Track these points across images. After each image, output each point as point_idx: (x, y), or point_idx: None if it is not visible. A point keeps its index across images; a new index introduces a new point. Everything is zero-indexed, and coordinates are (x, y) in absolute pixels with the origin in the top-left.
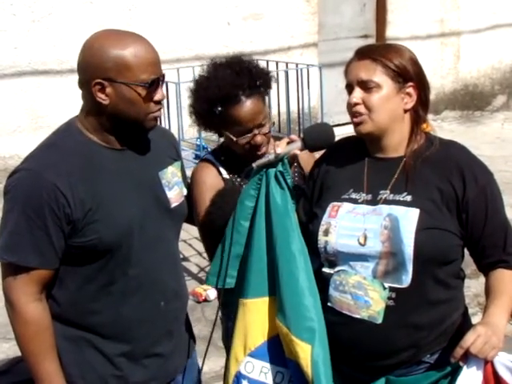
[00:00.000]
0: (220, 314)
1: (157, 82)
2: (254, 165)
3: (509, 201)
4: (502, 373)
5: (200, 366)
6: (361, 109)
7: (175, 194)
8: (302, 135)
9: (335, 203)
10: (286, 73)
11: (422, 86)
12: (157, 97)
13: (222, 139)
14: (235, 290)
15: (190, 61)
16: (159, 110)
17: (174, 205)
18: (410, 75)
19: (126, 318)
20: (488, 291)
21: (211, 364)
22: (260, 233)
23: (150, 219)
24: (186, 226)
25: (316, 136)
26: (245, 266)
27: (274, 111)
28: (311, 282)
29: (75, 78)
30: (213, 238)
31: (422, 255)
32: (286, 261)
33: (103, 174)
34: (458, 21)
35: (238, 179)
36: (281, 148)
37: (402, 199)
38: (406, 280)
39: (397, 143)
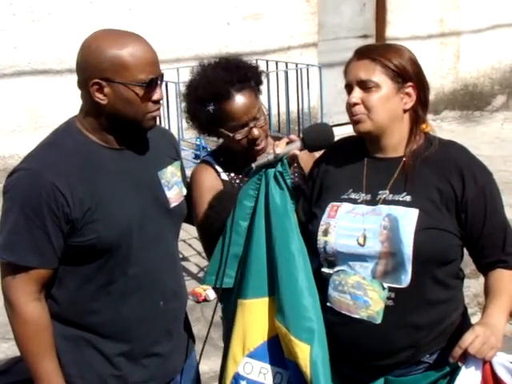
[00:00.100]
0: (221, 313)
1: (155, 81)
2: (253, 165)
3: (508, 201)
4: (501, 374)
5: (200, 366)
6: (360, 109)
7: (174, 194)
8: (301, 135)
9: (334, 203)
10: (286, 73)
11: (421, 86)
12: (155, 96)
13: (221, 140)
14: (234, 290)
15: (190, 61)
16: (158, 109)
17: (173, 205)
18: (409, 75)
19: (126, 317)
20: (487, 291)
21: (211, 364)
22: (259, 233)
23: (149, 219)
24: (185, 225)
25: (315, 136)
26: (244, 267)
27: (274, 111)
28: (310, 282)
29: (75, 77)
30: (211, 239)
31: (422, 255)
32: (285, 261)
33: (102, 174)
34: (458, 21)
35: (237, 180)
36: (280, 148)
37: (401, 199)
38: (406, 280)
39: (396, 143)
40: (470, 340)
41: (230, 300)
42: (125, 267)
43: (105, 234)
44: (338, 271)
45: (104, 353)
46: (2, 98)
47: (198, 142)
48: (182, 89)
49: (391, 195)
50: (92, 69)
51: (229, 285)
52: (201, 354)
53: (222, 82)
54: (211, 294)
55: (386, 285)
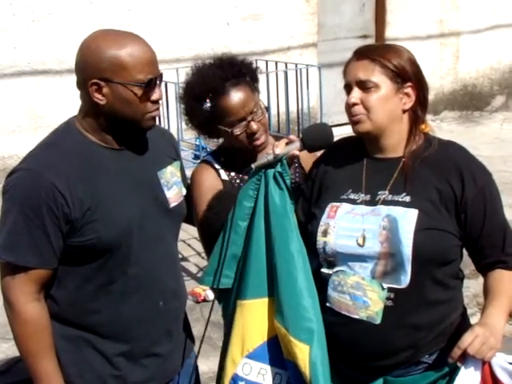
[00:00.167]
0: (222, 314)
1: (154, 81)
2: (252, 165)
3: (507, 201)
4: (500, 375)
5: (199, 366)
6: (359, 109)
7: (174, 194)
8: (300, 136)
9: (334, 204)
10: (286, 73)
11: (420, 86)
12: (154, 96)
13: (220, 140)
14: (233, 290)
15: (190, 61)
16: (157, 109)
17: (172, 205)
18: (408, 75)
19: (125, 317)
20: (486, 292)
21: (210, 364)
22: (259, 233)
23: (149, 219)
24: (184, 225)
25: (315, 136)
26: (243, 267)
27: (274, 111)
28: (310, 283)
29: (74, 78)
30: (210, 239)
31: (421, 256)
32: (284, 261)
33: (102, 174)
34: (458, 21)
35: (238, 180)
36: (279, 149)
37: (400, 200)
38: (405, 280)
39: (395, 144)
40: (469, 340)
41: (228, 301)
42: (125, 267)
43: (104, 234)
44: (337, 271)
45: (104, 353)
46: (1, 98)
47: (198, 143)
48: (181, 90)
49: (390, 196)
50: (91, 69)
51: (227, 285)
52: (197, 353)
53: (216, 79)
54: (211, 294)
55: (385, 285)
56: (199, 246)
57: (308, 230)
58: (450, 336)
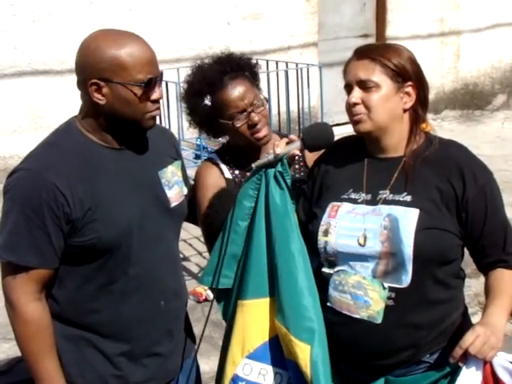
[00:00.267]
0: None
1: (154, 81)
2: (253, 165)
3: (508, 200)
4: (501, 374)
5: (201, 365)
6: (360, 108)
7: (175, 194)
8: (301, 135)
9: (335, 203)
10: (286, 72)
11: (420, 85)
12: (154, 96)
13: (221, 140)
14: (233, 290)
15: (190, 61)
16: (157, 109)
17: (173, 204)
18: (408, 75)
19: (126, 317)
20: (487, 291)
21: (212, 364)
22: (259, 233)
23: (149, 219)
24: (186, 225)
25: (315, 136)
26: (243, 267)
27: (274, 111)
28: (310, 282)
29: (75, 78)
30: (212, 238)
31: (422, 255)
32: (285, 261)
33: (102, 174)
34: (458, 20)
35: (242, 179)
36: (280, 148)
37: (401, 199)
38: (406, 280)
39: (396, 143)
40: (470, 340)
41: (228, 301)
42: (125, 267)
43: (105, 234)
44: (338, 271)
45: (105, 353)
46: (2, 98)
47: (199, 142)
48: (182, 89)
49: (391, 195)
50: (90, 69)
51: (226, 285)
52: (196, 351)
53: (215, 73)
54: (212, 294)
55: (386, 285)
56: (200, 246)
57: (309, 229)
58: (451, 335)
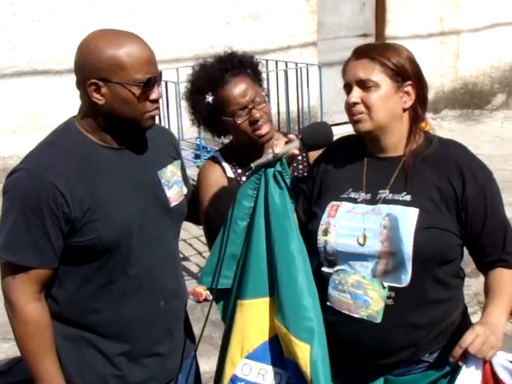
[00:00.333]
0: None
1: (153, 81)
2: (252, 165)
3: (508, 199)
4: (501, 374)
5: (201, 365)
6: (360, 108)
7: (175, 193)
8: (300, 134)
9: (334, 203)
10: (286, 72)
11: (420, 84)
12: (153, 96)
13: (222, 139)
14: (232, 290)
15: (190, 60)
16: (156, 109)
17: (173, 204)
18: (408, 74)
19: (126, 317)
20: (487, 290)
21: (212, 363)
22: (259, 233)
23: (149, 219)
24: (185, 225)
25: (314, 135)
26: (243, 267)
27: (274, 110)
28: (310, 282)
29: (74, 78)
30: (212, 237)
31: (422, 255)
32: (284, 261)
33: (102, 174)
34: (458, 19)
35: (243, 178)
36: (279, 148)
37: (401, 199)
38: (406, 279)
39: (396, 142)
40: (470, 339)
41: (228, 301)
42: (125, 267)
43: (104, 234)
44: (337, 270)
45: (104, 353)
46: (1, 98)
47: (198, 142)
48: (182, 89)
49: (391, 194)
50: (89, 69)
51: (225, 285)
52: (195, 352)
53: (216, 71)
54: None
55: (386, 284)
56: (200, 246)
57: (308, 228)
58: (450, 335)
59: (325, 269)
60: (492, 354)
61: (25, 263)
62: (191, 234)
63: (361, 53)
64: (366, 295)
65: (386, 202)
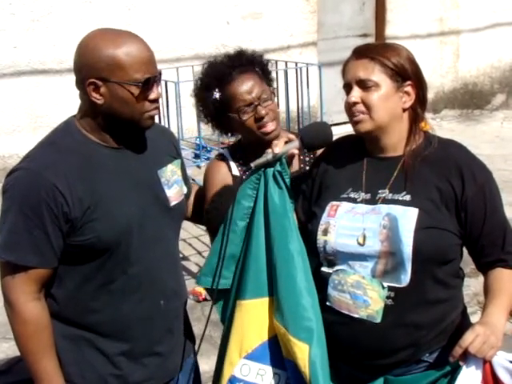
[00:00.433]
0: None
1: (151, 81)
2: (252, 164)
3: (508, 199)
4: (501, 374)
5: (200, 365)
6: (360, 108)
7: (175, 193)
8: (299, 134)
9: (334, 202)
10: (286, 72)
11: (420, 84)
12: (152, 96)
13: (223, 139)
14: (231, 291)
15: (190, 60)
16: (155, 108)
17: (173, 203)
18: (408, 74)
19: (126, 316)
20: (487, 290)
21: (211, 363)
22: (258, 233)
23: (149, 218)
24: (185, 224)
25: (314, 135)
26: (242, 267)
27: None
28: (309, 282)
29: (74, 77)
30: (213, 234)
31: (421, 255)
32: (284, 261)
33: (102, 173)
34: (458, 19)
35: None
36: (279, 148)
37: (400, 199)
38: (405, 279)
39: (396, 142)
40: (470, 339)
41: (226, 302)
42: (125, 266)
43: (104, 233)
44: (337, 270)
45: (104, 352)
46: (1, 97)
47: (198, 142)
48: (182, 88)
49: (391, 194)
50: (88, 68)
51: (225, 286)
52: (197, 351)
53: (224, 67)
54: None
55: (385, 284)
56: (200, 245)
57: (308, 228)
58: (450, 334)
59: (324, 269)
60: (492, 354)
61: (24, 263)
62: (191, 234)
63: (361, 53)
64: (365, 295)
65: (385, 201)
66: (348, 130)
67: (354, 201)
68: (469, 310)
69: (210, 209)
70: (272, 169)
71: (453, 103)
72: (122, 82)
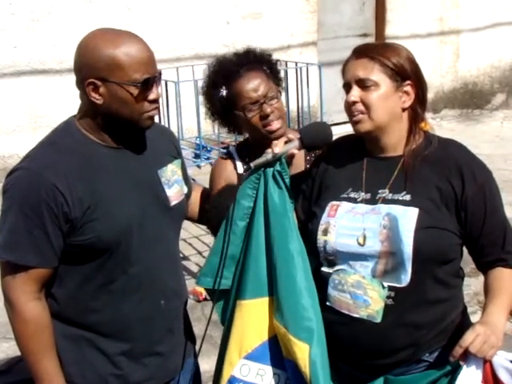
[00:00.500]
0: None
1: (151, 81)
2: (251, 164)
3: (508, 199)
4: (501, 374)
5: (201, 365)
6: (359, 107)
7: (175, 192)
8: (299, 134)
9: (334, 202)
10: (286, 72)
11: (419, 84)
12: (151, 96)
13: (223, 139)
14: (231, 291)
15: (190, 60)
16: (154, 109)
17: (173, 203)
18: (407, 74)
19: (126, 316)
20: (487, 290)
21: (212, 363)
22: (258, 233)
23: (149, 218)
24: (185, 224)
25: (314, 135)
26: (242, 267)
27: None
28: (309, 282)
29: (74, 77)
30: (214, 232)
31: (421, 254)
32: (284, 261)
33: (102, 173)
34: (458, 19)
35: None
36: (278, 147)
37: (401, 198)
38: (405, 279)
39: (395, 142)
40: (470, 339)
41: (226, 302)
42: (125, 266)
43: (104, 233)
44: (337, 270)
45: (105, 352)
46: (1, 97)
47: (198, 142)
48: (182, 88)
49: (391, 194)
50: (88, 68)
51: (225, 286)
52: (198, 352)
53: (232, 65)
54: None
55: (385, 284)
56: (200, 245)
57: (308, 228)
58: (450, 334)
59: (324, 269)
60: (492, 354)
61: (25, 262)
62: (191, 234)
63: (360, 52)
64: (365, 295)
65: (385, 201)
66: (348, 129)
67: (354, 201)
68: (469, 310)
69: (209, 208)
70: (272, 169)
71: (453, 103)
72: (120, 82)
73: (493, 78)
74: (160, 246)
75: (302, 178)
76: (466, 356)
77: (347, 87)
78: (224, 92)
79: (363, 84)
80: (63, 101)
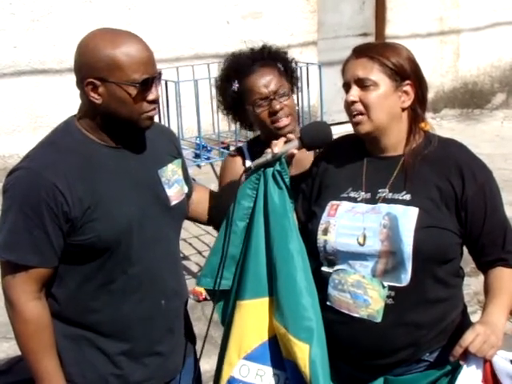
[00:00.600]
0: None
1: (150, 81)
2: (251, 164)
3: (508, 199)
4: (501, 374)
5: (201, 365)
6: (358, 106)
7: (175, 192)
8: (299, 134)
9: (334, 202)
10: None
11: (419, 84)
12: (150, 96)
13: (224, 139)
14: (231, 291)
15: (190, 60)
16: (153, 109)
17: (174, 203)
18: (407, 73)
19: (126, 316)
20: (487, 290)
21: (212, 363)
22: (258, 233)
23: (149, 218)
24: (185, 224)
25: (313, 134)
26: (242, 267)
27: None
28: (309, 282)
29: (74, 77)
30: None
31: (421, 254)
32: (283, 261)
33: (102, 173)
34: (458, 19)
35: None
36: (278, 147)
37: (401, 198)
38: (405, 279)
39: (395, 142)
40: (470, 339)
41: (226, 303)
42: (125, 266)
43: (104, 233)
44: (337, 270)
45: (105, 352)
46: (1, 97)
47: (198, 142)
48: (182, 88)
49: (391, 194)
50: (87, 68)
51: (225, 287)
52: (201, 352)
53: (245, 60)
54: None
55: (385, 283)
56: (200, 245)
57: (308, 228)
58: (451, 334)
59: (324, 268)
60: (492, 353)
61: (25, 262)
62: (191, 234)
63: (360, 52)
64: (365, 295)
65: (385, 201)
66: (348, 129)
67: (354, 200)
68: (469, 310)
69: (210, 208)
70: (272, 169)
71: (453, 102)
72: (119, 82)
73: (493, 78)
74: (160, 245)
75: (302, 177)
76: (466, 356)
77: (347, 87)
78: (236, 86)
79: (362, 84)
80: (63, 101)
